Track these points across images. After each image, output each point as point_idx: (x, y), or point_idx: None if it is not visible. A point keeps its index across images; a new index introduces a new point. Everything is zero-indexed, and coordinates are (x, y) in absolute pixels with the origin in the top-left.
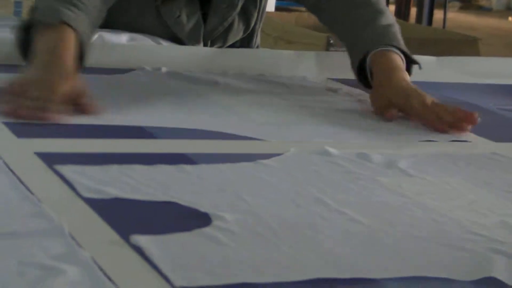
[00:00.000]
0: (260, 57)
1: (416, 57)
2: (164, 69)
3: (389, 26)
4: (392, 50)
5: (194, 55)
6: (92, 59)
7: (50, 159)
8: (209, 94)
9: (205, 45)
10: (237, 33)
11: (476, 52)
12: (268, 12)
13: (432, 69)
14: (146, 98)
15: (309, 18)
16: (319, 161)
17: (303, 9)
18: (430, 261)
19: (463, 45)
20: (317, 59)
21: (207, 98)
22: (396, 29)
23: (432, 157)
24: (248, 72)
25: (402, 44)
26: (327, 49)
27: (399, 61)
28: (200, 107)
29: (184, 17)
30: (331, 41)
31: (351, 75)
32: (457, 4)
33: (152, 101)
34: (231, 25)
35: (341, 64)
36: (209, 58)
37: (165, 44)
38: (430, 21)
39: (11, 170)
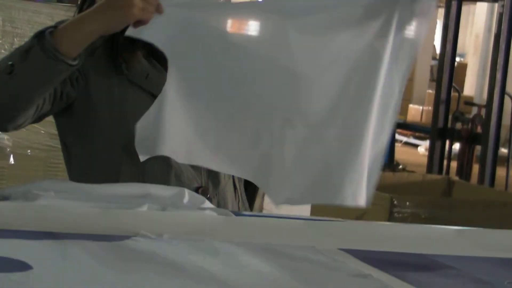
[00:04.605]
0: (268, 225)
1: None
2: (165, 236)
3: None
4: None
5: (199, 221)
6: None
7: None
8: (207, 266)
9: None
10: None
11: None
12: None
13: (450, 241)
14: (137, 270)
15: None
16: None
17: None
18: None
19: None
20: (327, 228)
21: (204, 271)
22: None
23: None
24: (254, 240)
25: None
26: (390, 210)
27: None
28: (192, 284)
29: (153, 76)
30: (395, 202)
31: (362, 246)
32: None
33: (142, 275)
34: None
35: (352, 233)
36: (215, 224)
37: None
38: (492, 181)
39: None
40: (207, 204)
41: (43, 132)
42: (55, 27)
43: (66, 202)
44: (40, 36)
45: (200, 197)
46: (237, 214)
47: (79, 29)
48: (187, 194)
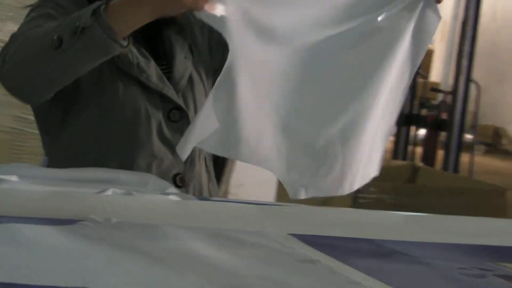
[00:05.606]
0: (218, 210)
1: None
2: (114, 220)
3: None
4: None
5: (150, 205)
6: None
7: None
8: (155, 251)
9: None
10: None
11: (503, 203)
12: None
13: (400, 227)
14: (82, 255)
15: None
16: None
17: None
18: None
19: (491, 195)
20: (277, 213)
21: (152, 255)
22: None
23: None
24: (204, 225)
25: None
26: (354, 196)
27: None
28: (138, 269)
29: (143, 65)
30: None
31: (312, 231)
32: (483, 147)
33: (87, 260)
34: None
35: (303, 218)
36: (165, 209)
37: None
38: (456, 167)
39: None
40: (172, 189)
41: (7, 114)
42: (107, 2)
43: (29, 186)
44: (96, 14)
45: (164, 182)
46: (200, 199)
47: (133, 12)
48: (152, 179)
